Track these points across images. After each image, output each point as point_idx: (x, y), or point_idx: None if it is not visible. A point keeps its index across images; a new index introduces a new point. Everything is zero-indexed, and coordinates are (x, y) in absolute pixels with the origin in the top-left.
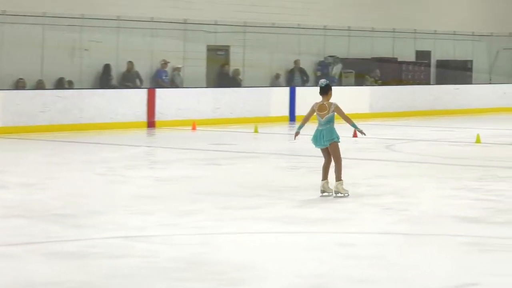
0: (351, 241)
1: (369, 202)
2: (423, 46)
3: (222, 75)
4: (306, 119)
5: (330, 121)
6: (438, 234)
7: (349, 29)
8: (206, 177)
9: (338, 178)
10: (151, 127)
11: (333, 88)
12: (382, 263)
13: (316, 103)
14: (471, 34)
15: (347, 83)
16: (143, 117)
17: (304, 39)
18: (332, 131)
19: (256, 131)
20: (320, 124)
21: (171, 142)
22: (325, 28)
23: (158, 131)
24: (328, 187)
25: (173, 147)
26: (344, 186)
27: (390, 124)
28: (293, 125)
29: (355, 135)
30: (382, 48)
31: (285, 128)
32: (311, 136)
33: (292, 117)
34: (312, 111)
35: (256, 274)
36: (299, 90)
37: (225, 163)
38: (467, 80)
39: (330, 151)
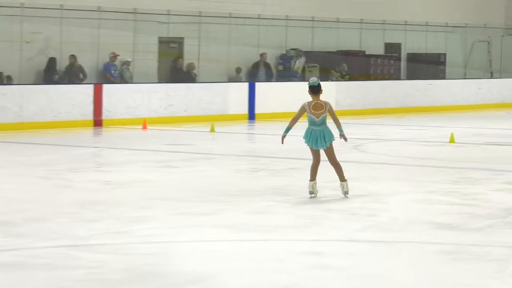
0: (316, 250)
1: (335, 207)
2: (393, 38)
3: (175, 69)
4: (295, 120)
5: (325, 120)
6: (410, 242)
7: (313, 20)
8: (158, 181)
9: (344, 177)
10: (98, 126)
11: (295, 83)
12: (350, 274)
13: (309, 103)
14: (444, 25)
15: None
16: (89, 115)
17: (264, 31)
18: (330, 131)
19: (212, 130)
20: (315, 124)
21: (119, 142)
22: (287, 19)
23: (105, 131)
24: (316, 188)
25: (122, 148)
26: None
27: (358, 123)
28: (253, 124)
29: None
30: (348, 41)
31: (244, 127)
32: (306, 137)
33: (251, 115)
34: (302, 111)
35: (213, 287)
36: (259, 86)
37: (179, 166)
38: (440, 75)
39: (329, 152)
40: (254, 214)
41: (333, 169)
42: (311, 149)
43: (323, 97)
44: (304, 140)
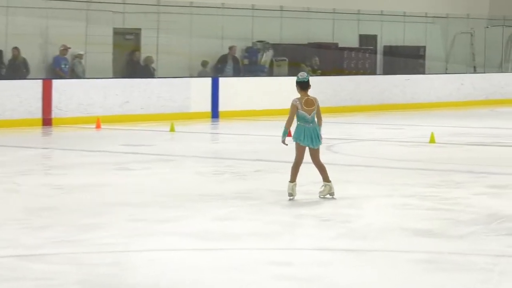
0: (285, 260)
1: (305, 213)
2: (368, 30)
3: (131, 63)
4: (290, 121)
5: (314, 118)
6: (386, 250)
7: (281, 10)
8: (114, 185)
9: (329, 178)
10: (47, 125)
11: (262, 79)
12: (321, 286)
13: (299, 99)
14: (423, 15)
15: (279, 73)
16: (37, 113)
17: (229, 21)
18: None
19: (172, 129)
20: (307, 121)
21: (71, 143)
22: (253, 8)
23: (55, 130)
24: (296, 191)
25: (74, 149)
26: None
27: (330, 121)
28: (216, 123)
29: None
30: (320, 32)
31: (207, 126)
32: (300, 136)
33: (215, 113)
34: (295, 110)
35: None
36: (223, 82)
37: (136, 168)
38: (419, 70)
39: (316, 152)
40: (217, 221)
41: (317, 170)
42: (298, 147)
43: (295, 92)
44: (295, 139)
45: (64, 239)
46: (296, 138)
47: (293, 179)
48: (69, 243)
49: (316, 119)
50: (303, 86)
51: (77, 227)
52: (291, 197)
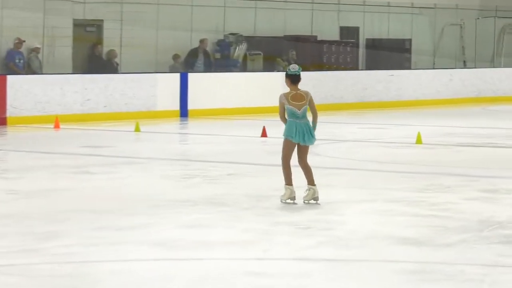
0: (261, 270)
1: (282, 220)
2: (350, 22)
3: (93, 57)
4: (283, 118)
5: (306, 113)
6: (370, 260)
7: (255, 0)
8: (74, 190)
9: (314, 181)
10: (1, 124)
11: (235, 74)
12: None
13: (286, 94)
14: (409, 5)
15: (253, 68)
16: None
17: (199, 12)
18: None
19: (137, 129)
20: (297, 117)
21: (27, 144)
22: None
23: (10, 130)
24: (294, 193)
25: (30, 151)
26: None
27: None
28: (185, 122)
29: (263, 134)
30: (298, 24)
31: (175, 126)
32: (291, 132)
33: (183, 111)
34: (281, 106)
35: None
36: (192, 78)
37: (98, 172)
38: (405, 64)
39: (305, 152)
40: (187, 229)
41: (302, 171)
42: (288, 144)
43: (270, 88)
44: (286, 136)
45: (19, 249)
46: (287, 135)
47: (288, 181)
48: (25, 253)
49: (307, 115)
50: (293, 79)
51: (34, 235)
52: (291, 201)
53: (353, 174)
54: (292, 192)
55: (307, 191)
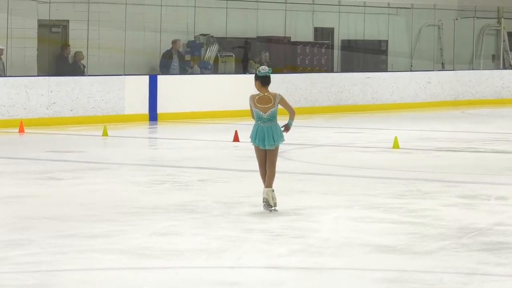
0: (233, 279)
1: (254, 227)
2: (324, 22)
3: (59, 59)
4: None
5: (274, 116)
6: (346, 268)
7: None
8: (40, 196)
9: (271, 184)
10: None
11: (208, 76)
12: None
13: (254, 95)
14: (386, 6)
15: (225, 70)
16: None
17: (168, 12)
18: (279, 129)
19: (105, 134)
20: (262, 120)
21: None
22: None
23: None
24: (273, 197)
25: None
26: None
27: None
28: (155, 126)
29: (236, 139)
30: (270, 25)
31: (144, 130)
32: (252, 135)
33: (153, 115)
34: (251, 104)
35: None
36: (162, 80)
37: (64, 177)
38: (381, 67)
39: (270, 154)
40: (157, 236)
41: (266, 173)
42: (257, 150)
43: (241, 91)
44: (250, 139)
45: None
46: (250, 138)
47: (267, 183)
48: None
49: (276, 118)
50: (263, 81)
51: None
52: (269, 207)
53: (328, 179)
54: (265, 193)
55: (264, 194)
